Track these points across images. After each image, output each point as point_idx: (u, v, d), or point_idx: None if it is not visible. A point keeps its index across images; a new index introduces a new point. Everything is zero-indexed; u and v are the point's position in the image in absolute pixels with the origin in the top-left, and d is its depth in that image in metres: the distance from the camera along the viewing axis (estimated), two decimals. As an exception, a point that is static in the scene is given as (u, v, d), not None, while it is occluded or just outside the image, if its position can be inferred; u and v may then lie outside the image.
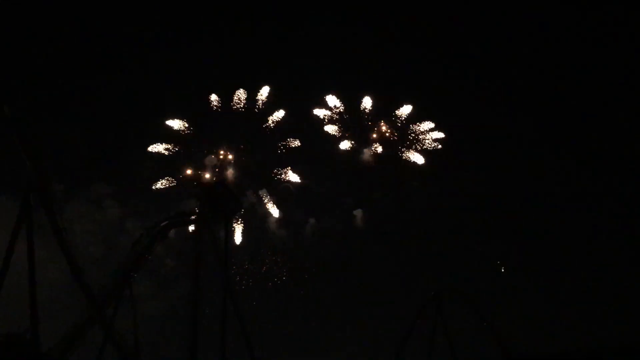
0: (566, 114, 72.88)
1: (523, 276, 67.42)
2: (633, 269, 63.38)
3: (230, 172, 70.50)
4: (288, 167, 71.49)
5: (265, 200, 70.21)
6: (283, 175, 71.89)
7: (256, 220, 69.17)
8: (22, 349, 33.88)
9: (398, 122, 74.87)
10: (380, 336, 61.57)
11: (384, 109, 75.43)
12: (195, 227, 43.78)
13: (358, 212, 73.09)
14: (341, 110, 74.43)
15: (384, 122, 75.30)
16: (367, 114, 75.48)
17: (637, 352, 44.68)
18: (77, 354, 38.30)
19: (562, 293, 65.31)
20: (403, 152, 74.14)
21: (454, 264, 67.00)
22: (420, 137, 73.61)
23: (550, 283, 66.37)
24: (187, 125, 70.01)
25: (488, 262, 68.07)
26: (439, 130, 73.75)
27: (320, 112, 74.09)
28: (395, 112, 74.58)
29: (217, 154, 70.33)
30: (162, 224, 44.99)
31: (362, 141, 75.20)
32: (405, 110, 74.74)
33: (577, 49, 72.65)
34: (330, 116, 74.45)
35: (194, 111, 70.59)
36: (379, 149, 75.15)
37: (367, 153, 74.64)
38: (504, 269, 66.51)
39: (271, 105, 72.81)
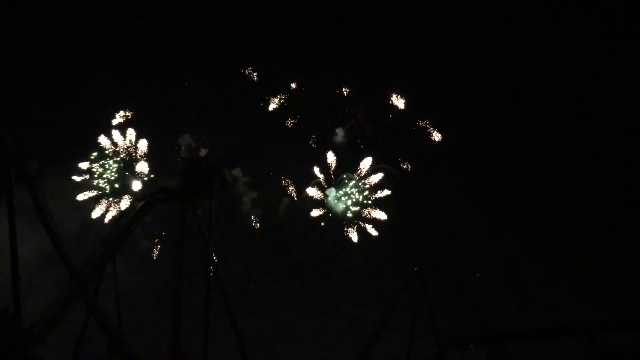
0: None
1: (508, 253, 68.64)
2: (620, 247, 64.77)
3: (203, 152, 70.53)
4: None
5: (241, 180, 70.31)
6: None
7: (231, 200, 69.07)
8: (4, 324, 33.24)
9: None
10: (362, 315, 62.15)
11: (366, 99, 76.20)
12: (178, 203, 43.20)
13: (331, 191, 73.29)
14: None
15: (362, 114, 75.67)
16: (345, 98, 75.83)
17: (626, 326, 45.57)
18: (59, 329, 37.89)
19: (546, 270, 66.76)
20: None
21: (436, 242, 67.78)
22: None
23: (534, 260, 67.82)
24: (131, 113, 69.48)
25: (472, 240, 69.03)
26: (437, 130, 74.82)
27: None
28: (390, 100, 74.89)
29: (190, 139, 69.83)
30: (142, 201, 44.53)
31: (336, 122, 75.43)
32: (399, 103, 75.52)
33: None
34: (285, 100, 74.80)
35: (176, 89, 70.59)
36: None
37: (339, 134, 74.89)
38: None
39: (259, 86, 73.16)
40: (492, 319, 50.99)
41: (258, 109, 74.68)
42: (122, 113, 71.57)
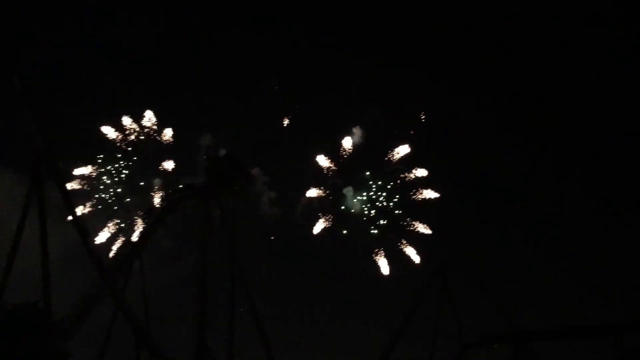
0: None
1: (531, 252, 68.20)
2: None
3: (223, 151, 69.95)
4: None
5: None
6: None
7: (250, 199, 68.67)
8: (34, 318, 33.58)
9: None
10: (384, 313, 62.02)
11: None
12: (203, 200, 43.37)
13: (349, 191, 69.70)
14: None
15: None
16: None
17: None
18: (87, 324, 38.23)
19: (569, 268, 66.21)
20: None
21: (455, 243, 67.30)
22: None
23: (558, 258, 67.37)
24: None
25: (493, 241, 68.44)
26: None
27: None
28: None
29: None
30: (167, 199, 44.88)
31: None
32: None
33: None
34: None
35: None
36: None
37: (356, 133, 72.18)
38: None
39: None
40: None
41: (277, 113, 74.68)
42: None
